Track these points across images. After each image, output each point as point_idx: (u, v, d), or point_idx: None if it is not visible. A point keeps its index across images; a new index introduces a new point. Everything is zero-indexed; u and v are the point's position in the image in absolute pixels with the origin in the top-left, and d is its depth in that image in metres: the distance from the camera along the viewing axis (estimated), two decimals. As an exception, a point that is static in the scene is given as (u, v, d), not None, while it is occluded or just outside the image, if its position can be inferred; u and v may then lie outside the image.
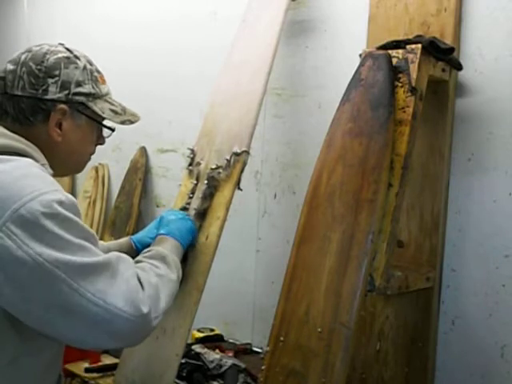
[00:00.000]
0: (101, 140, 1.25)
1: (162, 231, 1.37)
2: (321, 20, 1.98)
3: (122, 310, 0.94)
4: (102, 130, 1.23)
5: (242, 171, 1.58)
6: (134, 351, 1.59)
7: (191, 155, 1.72)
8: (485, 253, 1.58)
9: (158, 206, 2.64)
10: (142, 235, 1.46)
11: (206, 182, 1.60)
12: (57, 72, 1.10)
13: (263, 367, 1.45)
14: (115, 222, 2.71)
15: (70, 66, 1.12)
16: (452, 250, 1.64)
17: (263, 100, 1.68)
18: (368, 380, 1.50)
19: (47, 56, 1.11)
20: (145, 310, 0.99)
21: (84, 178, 2.99)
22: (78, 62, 1.14)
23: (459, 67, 1.57)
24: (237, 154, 1.58)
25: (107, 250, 1.11)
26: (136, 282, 1.02)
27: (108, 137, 1.26)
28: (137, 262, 1.16)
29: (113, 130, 1.24)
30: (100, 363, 2.06)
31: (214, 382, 1.74)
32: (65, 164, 1.16)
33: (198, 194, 1.61)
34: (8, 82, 1.08)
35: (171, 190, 2.40)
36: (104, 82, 1.20)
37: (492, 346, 1.57)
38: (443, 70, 1.53)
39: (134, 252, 1.37)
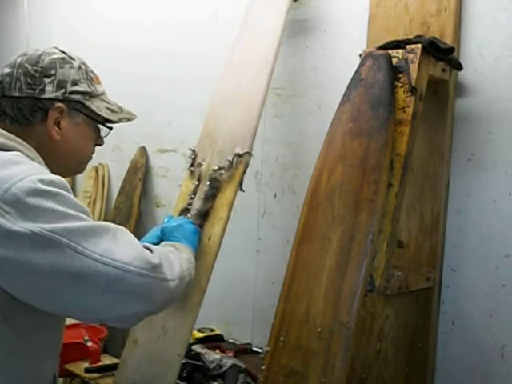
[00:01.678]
0: (99, 140, 1.25)
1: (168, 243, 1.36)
2: (321, 20, 1.98)
3: (131, 265, 0.93)
4: (99, 130, 1.23)
5: (244, 172, 1.58)
6: (135, 351, 1.59)
7: (192, 156, 1.72)
8: (485, 253, 1.58)
9: (157, 206, 2.64)
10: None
11: (208, 183, 1.60)
12: (52, 71, 1.12)
13: (263, 367, 1.45)
14: (115, 221, 2.71)
15: (65, 66, 1.14)
16: (452, 250, 1.64)
17: (265, 101, 1.68)
18: (368, 380, 1.50)
19: (42, 57, 1.13)
20: (156, 261, 0.97)
21: (84, 178, 2.99)
22: (72, 62, 1.16)
23: (459, 67, 1.57)
24: (239, 155, 1.58)
25: None
26: (140, 245, 1.00)
27: (106, 136, 1.26)
28: None
29: (111, 128, 1.24)
30: (100, 363, 2.05)
31: (214, 382, 1.74)
32: (66, 164, 1.17)
33: (200, 194, 1.61)
34: (5, 84, 1.10)
35: (171, 190, 2.40)
36: (99, 82, 1.22)
37: (492, 346, 1.57)
38: (443, 70, 1.53)
39: None
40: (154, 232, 1.42)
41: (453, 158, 1.63)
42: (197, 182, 1.65)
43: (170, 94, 2.54)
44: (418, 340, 1.61)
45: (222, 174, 1.59)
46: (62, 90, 1.12)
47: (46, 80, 1.11)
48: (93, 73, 1.20)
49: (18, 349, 0.99)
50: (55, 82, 1.11)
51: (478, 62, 1.58)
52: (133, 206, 2.65)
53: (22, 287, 0.93)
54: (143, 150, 2.67)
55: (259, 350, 1.99)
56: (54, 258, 0.89)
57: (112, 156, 2.87)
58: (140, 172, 2.65)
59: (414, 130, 1.43)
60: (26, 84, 1.09)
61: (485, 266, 1.58)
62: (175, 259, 1.12)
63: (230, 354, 1.91)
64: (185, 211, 1.61)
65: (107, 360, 2.08)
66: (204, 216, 1.56)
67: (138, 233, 2.63)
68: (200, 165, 1.68)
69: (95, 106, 1.17)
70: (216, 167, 1.61)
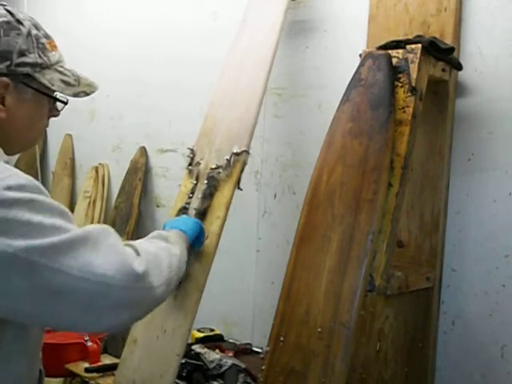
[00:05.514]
0: (54, 112, 1.11)
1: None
2: (321, 20, 1.98)
3: (115, 279, 0.85)
4: (54, 102, 1.09)
5: (241, 171, 1.58)
6: (135, 351, 1.59)
7: (191, 155, 1.72)
8: (485, 253, 1.58)
9: (157, 206, 2.64)
10: None
11: (205, 181, 1.60)
12: None
13: (263, 367, 1.45)
14: (115, 221, 2.71)
15: (10, 33, 0.98)
16: (452, 250, 1.64)
17: (263, 100, 1.68)
18: (368, 380, 1.50)
19: None
20: (140, 270, 0.89)
21: (84, 178, 2.99)
22: (20, 27, 1.00)
23: (459, 67, 1.57)
24: (237, 154, 1.58)
25: None
26: (125, 248, 0.93)
27: (61, 109, 1.11)
28: None
29: (65, 103, 1.10)
30: (100, 363, 2.05)
31: (214, 382, 1.74)
32: (15, 142, 1.04)
33: (198, 193, 1.61)
34: None
35: (171, 190, 2.40)
36: (54, 47, 1.06)
37: (492, 346, 1.57)
38: (443, 70, 1.53)
39: None
40: None
41: (453, 158, 1.63)
42: (195, 181, 1.65)
43: (169, 94, 2.53)
44: (418, 340, 1.61)
45: (219, 172, 1.59)
46: (7, 62, 0.97)
47: None
48: (46, 37, 1.05)
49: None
50: None
51: (478, 62, 1.58)
52: (133, 206, 2.64)
53: (4, 310, 0.86)
54: (143, 150, 2.67)
55: (259, 350, 1.99)
56: (31, 279, 0.82)
57: (112, 156, 2.87)
58: (140, 172, 2.65)
59: (414, 129, 1.42)
60: None
61: (485, 265, 1.58)
62: (164, 259, 1.04)
63: (230, 354, 1.91)
64: (183, 210, 1.61)
65: (107, 360, 2.08)
66: (202, 215, 1.56)
67: (138, 233, 2.64)
68: (198, 164, 1.68)
69: (47, 78, 1.03)
70: (214, 166, 1.61)
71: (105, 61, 2.82)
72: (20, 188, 0.85)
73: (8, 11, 1.01)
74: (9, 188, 0.83)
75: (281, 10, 1.83)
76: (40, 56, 1.02)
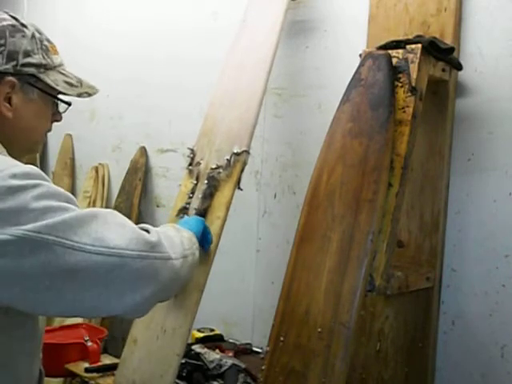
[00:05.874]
0: (57, 116, 1.14)
1: None
2: (321, 20, 1.98)
3: (128, 249, 0.86)
4: (57, 106, 1.13)
5: (242, 171, 1.58)
6: (135, 351, 1.59)
7: (191, 155, 1.72)
8: (485, 253, 1.58)
9: (157, 206, 2.64)
10: None
11: (206, 181, 1.60)
12: (2, 41, 1.00)
13: (263, 367, 1.45)
14: (115, 222, 2.71)
15: (16, 35, 1.02)
16: (452, 250, 1.64)
17: (263, 100, 1.68)
18: (368, 380, 1.50)
19: None
20: (154, 239, 0.91)
21: (84, 178, 2.99)
22: (25, 30, 1.04)
23: (459, 67, 1.57)
24: (237, 154, 1.58)
25: None
26: (134, 226, 0.93)
27: (64, 112, 1.15)
28: None
29: (69, 103, 1.14)
30: (100, 363, 2.05)
31: (214, 382, 1.74)
32: (19, 143, 1.06)
33: (198, 193, 1.61)
34: None
35: (171, 189, 2.40)
36: (56, 52, 1.10)
37: (492, 346, 1.57)
38: (443, 70, 1.53)
39: None
40: None
41: (453, 158, 1.63)
42: (195, 181, 1.65)
43: (169, 94, 2.54)
44: (418, 340, 1.61)
45: (219, 172, 1.59)
46: (13, 62, 1.01)
47: None
48: (48, 41, 1.09)
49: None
50: (5, 53, 1.00)
51: (478, 62, 1.58)
52: (133, 206, 2.64)
53: (18, 295, 0.85)
54: (143, 150, 2.67)
55: (259, 350, 1.99)
56: (45, 259, 0.82)
57: (112, 156, 2.87)
58: (140, 172, 2.65)
59: (414, 129, 1.42)
60: None
61: (485, 265, 1.58)
62: (176, 237, 1.05)
63: (230, 354, 1.91)
64: (183, 210, 1.61)
65: (107, 360, 2.08)
66: (202, 215, 1.56)
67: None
68: (198, 164, 1.68)
69: (51, 79, 1.07)
70: (214, 166, 1.61)
71: (105, 61, 2.82)
72: (25, 175, 0.86)
73: (12, 16, 1.05)
74: (14, 176, 0.85)
75: (281, 9, 1.83)
76: (44, 57, 1.06)
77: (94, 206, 2.85)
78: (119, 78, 2.75)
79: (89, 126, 3.03)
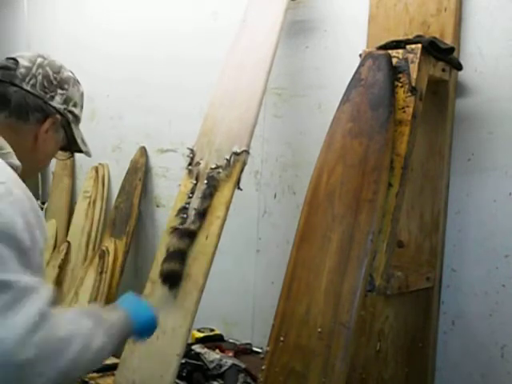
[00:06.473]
0: (57, 155, 1.29)
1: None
2: (321, 20, 1.98)
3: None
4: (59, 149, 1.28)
5: (241, 171, 1.58)
6: (135, 351, 1.59)
7: (191, 155, 1.72)
8: (485, 253, 1.58)
9: (157, 206, 2.64)
10: None
11: (205, 181, 1.60)
12: (66, 86, 1.19)
13: (263, 367, 1.45)
14: (115, 222, 2.71)
15: (75, 87, 1.22)
16: (452, 250, 1.64)
17: (263, 100, 1.68)
18: (368, 380, 1.50)
19: (62, 70, 1.20)
20: (26, 356, 0.83)
21: (84, 178, 2.99)
22: (79, 86, 1.25)
23: (459, 67, 1.57)
24: (236, 154, 1.58)
25: None
26: (31, 324, 0.85)
27: (63, 159, 1.35)
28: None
29: (71, 156, 1.32)
30: (100, 363, 2.05)
31: (214, 381, 1.74)
32: (31, 166, 1.16)
33: (198, 193, 1.61)
34: (19, 74, 1.13)
35: (171, 190, 2.40)
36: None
37: (492, 346, 1.57)
38: (443, 70, 1.53)
39: None
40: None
41: (453, 158, 1.63)
42: (195, 181, 1.65)
43: (169, 94, 2.53)
44: (418, 340, 1.61)
45: (219, 172, 1.60)
46: (65, 105, 1.18)
47: (59, 91, 1.17)
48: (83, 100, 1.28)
49: None
50: (64, 96, 1.18)
51: (478, 62, 1.58)
52: (133, 206, 2.64)
53: None
54: (143, 150, 2.67)
55: (259, 350, 1.99)
56: None
57: (112, 156, 2.87)
58: (140, 172, 2.65)
59: (414, 129, 1.42)
60: (41, 85, 1.14)
61: (485, 265, 1.58)
62: (71, 344, 0.92)
63: (230, 354, 1.91)
64: (183, 210, 1.61)
65: (107, 360, 2.08)
66: (202, 215, 1.56)
67: (138, 233, 2.64)
68: (198, 164, 1.68)
69: (76, 132, 1.23)
70: (214, 166, 1.61)
71: (105, 61, 2.81)
72: None
73: (72, 72, 1.24)
74: None
75: (281, 9, 1.83)
76: (80, 113, 1.24)
77: (94, 206, 2.85)
78: (119, 77, 2.75)
79: (89, 126, 3.02)
